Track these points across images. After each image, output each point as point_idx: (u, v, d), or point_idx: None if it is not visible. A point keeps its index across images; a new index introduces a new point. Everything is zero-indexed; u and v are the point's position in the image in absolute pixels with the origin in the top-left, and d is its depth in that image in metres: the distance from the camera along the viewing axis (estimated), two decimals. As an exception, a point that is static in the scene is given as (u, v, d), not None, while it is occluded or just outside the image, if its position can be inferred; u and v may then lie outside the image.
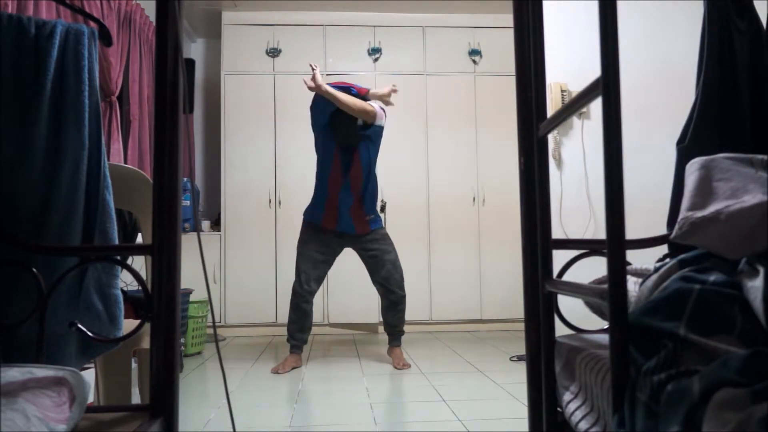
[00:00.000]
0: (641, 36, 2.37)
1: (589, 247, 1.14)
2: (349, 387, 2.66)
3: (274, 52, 4.45)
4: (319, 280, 3.14)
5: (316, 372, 2.99)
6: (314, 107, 3.11)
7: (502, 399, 2.39)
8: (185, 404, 2.35)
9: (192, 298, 3.47)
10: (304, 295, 3.07)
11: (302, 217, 3.20)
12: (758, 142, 1.14)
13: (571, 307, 1.11)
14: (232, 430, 1.14)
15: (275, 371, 2.96)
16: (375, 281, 3.19)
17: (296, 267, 3.12)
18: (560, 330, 1.05)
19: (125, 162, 3.33)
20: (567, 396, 0.92)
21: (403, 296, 3.16)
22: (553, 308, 1.03)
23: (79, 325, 0.98)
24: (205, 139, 4.96)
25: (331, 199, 3.07)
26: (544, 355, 1.02)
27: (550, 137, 2.69)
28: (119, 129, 3.25)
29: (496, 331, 4.26)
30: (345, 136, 3.01)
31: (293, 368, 3.04)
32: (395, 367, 3.04)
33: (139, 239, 2.27)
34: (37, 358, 0.93)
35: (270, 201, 4.36)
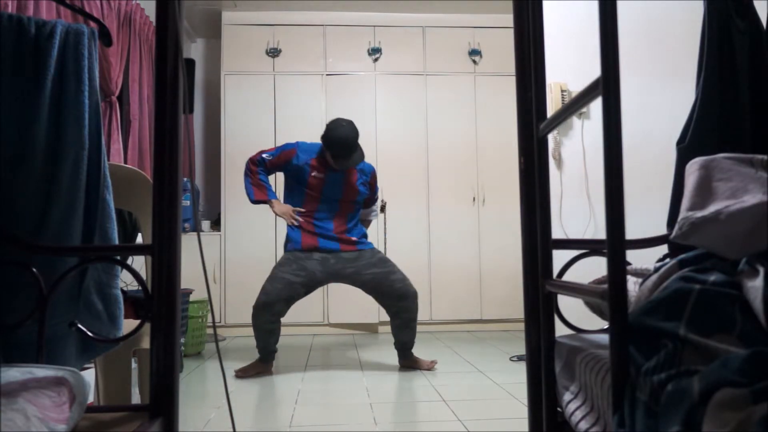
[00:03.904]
0: (641, 36, 2.37)
1: (589, 247, 1.14)
2: (349, 387, 2.66)
3: (274, 52, 4.45)
4: (290, 301, 2.91)
5: (316, 372, 2.99)
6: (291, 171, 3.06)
7: (502, 399, 2.39)
8: (185, 404, 2.34)
9: (192, 298, 3.47)
10: (268, 317, 2.87)
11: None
12: (758, 142, 1.14)
13: (571, 307, 1.11)
14: (232, 430, 1.14)
15: (239, 375, 2.86)
16: (385, 303, 3.01)
17: (263, 287, 2.92)
18: (560, 330, 1.05)
19: (125, 162, 3.33)
20: (567, 396, 0.92)
21: (416, 311, 3.00)
22: (553, 308, 1.03)
23: (79, 325, 0.98)
24: (205, 139, 4.96)
25: (307, 217, 3.02)
26: (544, 355, 1.02)
27: (550, 137, 2.70)
28: (119, 129, 3.25)
29: (496, 331, 4.26)
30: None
31: (258, 374, 2.92)
32: (428, 369, 2.95)
33: (139, 239, 2.27)
34: (37, 358, 0.93)
35: (270, 201, 4.35)
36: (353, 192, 3.04)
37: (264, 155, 3.06)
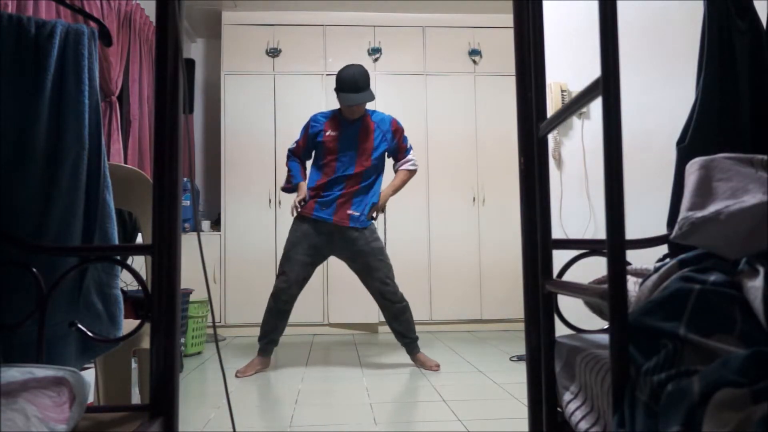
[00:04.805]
0: (641, 36, 2.37)
1: (589, 247, 1.14)
2: (349, 387, 2.66)
3: (274, 52, 4.45)
4: (304, 282, 3.03)
5: (316, 372, 2.99)
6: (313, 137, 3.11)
7: (502, 399, 2.39)
8: (185, 404, 2.34)
9: (192, 298, 3.47)
10: (287, 300, 2.96)
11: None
12: (758, 142, 1.14)
13: (571, 307, 1.11)
14: (232, 430, 1.14)
15: (239, 376, 2.87)
16: (370, 292, 3.10)
17: (280, 268, 3.00)
18: (560, 330, 1.05)
19: (125, 162, 3.33)
20: (567, 396, 0.92)
21: (404, 306, 3.03)
22: (553, 308, 1.03)
23: (79, 325, 0.98)
24: (205, 139, 4.96)
25: (317, 187, 3.06)
26: (544, 355, 1.02)
27: (550, 137, 2.70)
28: (119, 129, 3.25)
29: (496, 331, 4.26)
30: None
31: (258, 371, 2.95)
32: (429, 369, 2.96)
33: (139, 239, 2.27)
34: (37, 358, 0.93)
35: (270, 201, 4.36)
36: (369, 142, 3.04)
37: (292, 144, 3.19)
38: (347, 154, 3.03)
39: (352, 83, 2.94)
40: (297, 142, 3.16)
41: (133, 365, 1.78)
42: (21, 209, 1.12)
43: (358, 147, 3.03)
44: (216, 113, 4.54)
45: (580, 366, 0.88)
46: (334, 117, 3.10)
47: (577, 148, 2.81)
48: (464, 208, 4.44)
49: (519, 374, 2.79)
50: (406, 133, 3.16)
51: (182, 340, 3.40)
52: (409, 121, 4.44)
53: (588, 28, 2.47)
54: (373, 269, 3.01)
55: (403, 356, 3.30)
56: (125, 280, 2.31)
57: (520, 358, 3.14)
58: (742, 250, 0.77)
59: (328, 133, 3.05)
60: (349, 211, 3.00)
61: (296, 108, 4.40)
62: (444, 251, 4.39)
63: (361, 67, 3.03)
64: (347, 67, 3.02)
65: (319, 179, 3.06)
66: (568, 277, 1.09)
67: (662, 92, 2.28)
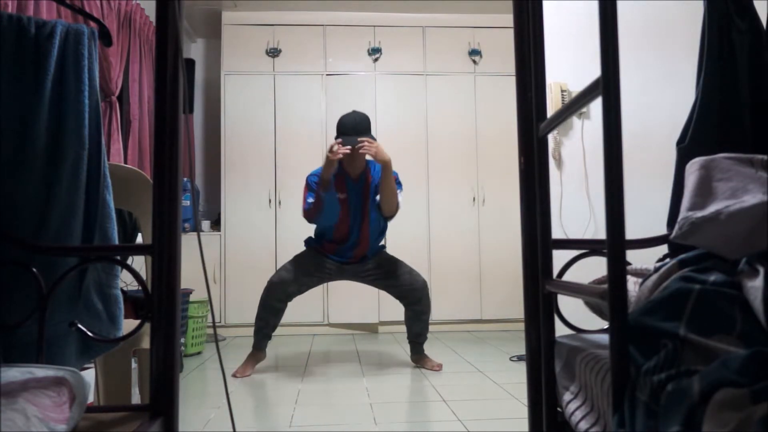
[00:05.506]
0: (641, 36, 2.37)
1: (589, 247, 1.14)
2: (349, 387, 2.66)
3: (274, 52, 4.45)
4: (302, 287, 3.00)
5: (316, 372, 2.99)
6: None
7: (502, 399, 2.39)
8: (185, 404, 2.34)
9: (192, 298, 3.47)
10: (280, 295, 2.94)
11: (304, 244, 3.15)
12: (758, 142, 1.14)
13: (571, 307, 1.11)
14: (232, 430, 1.14)
15: (237, 376, 2.88)
16: (396, 296, 3.07)
17: (284, 266, 3.03)
18: (560, 330, 1.05)
19: (125, 162, 3.32)
20: (567, 396, 0.92)
21: (429, 305, 3.06)
22: (553, 308, 1.03)
23: (79, 325, 0.98)
24: (205, 139, 4.96)
25: (333, 241, 3.05)
26: (544, 355, 1.02)
27: (550, 137, 2.70)
28: (119, 129, 3.25)
29: (496, 331, 4.26)
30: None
31: (255, 366, 2.98)
32: (431, 369, 2.97)
33: (139, 239, 2.27)
34: (37, 358, 0.93)
35: (270, 201, 4.35)
36: (369, 193, 3.03)
37: (305, 206, 2.98)
38: (356, 218, 3.02)
39: (352, 126, 2.89)
40: (310, 204, 2.94)
41: (133, 365, 1.78)
42: (21, 209, 1.12)
43: (362, 208, 3.02)
44: (216, 113, 4.54)
45: (580, 366, 0.88)
46: (337, 176, 2.98)
47: (577, 148, 2.81)
48: (464, 207, 4.44)
49: (519, 374, 2.79)
50: (400, 179, 3.08)
51: (182, 340, 3.40)
52: (409, 120, 4.47)
53: (588, 28, 2.47)
54: (399, 266, 3.06)
55: (404, 356, 3.30)
56: (125, 280, 2.31)
57: (520, 358, 3.14)
58: (742, 250, 0.77)
59: (339, 197, 2.99)
60: (362, 252, 3.07)
61: (296, 108, 4.41)
62: (444, 251, 4.38)
63: (363, 113, 2.98)
64: (349, 113, 2.97)
65: (331, 242, 3.05)
66: (568, 277, 1.10)
67: (662, 92, 2.28)
